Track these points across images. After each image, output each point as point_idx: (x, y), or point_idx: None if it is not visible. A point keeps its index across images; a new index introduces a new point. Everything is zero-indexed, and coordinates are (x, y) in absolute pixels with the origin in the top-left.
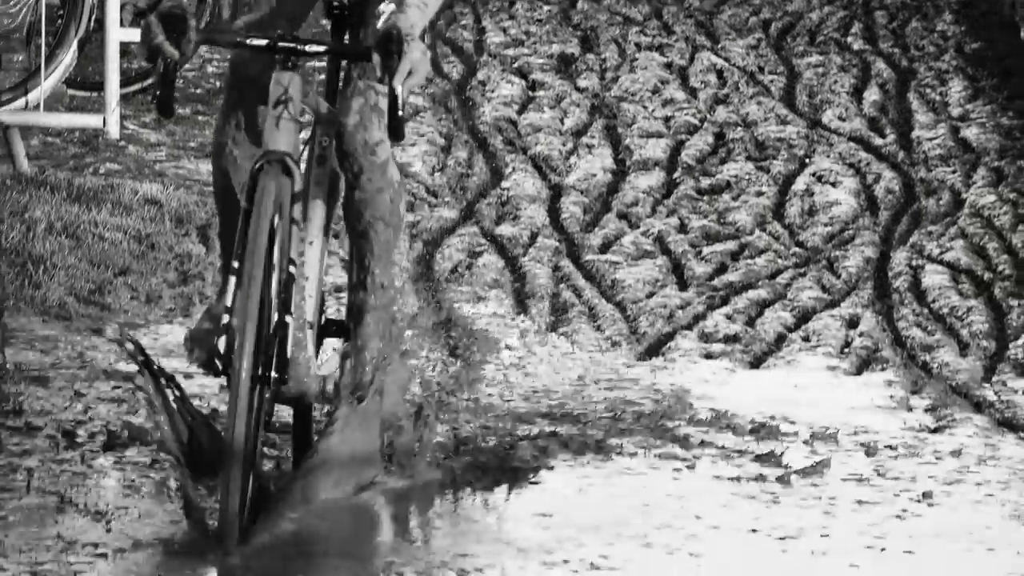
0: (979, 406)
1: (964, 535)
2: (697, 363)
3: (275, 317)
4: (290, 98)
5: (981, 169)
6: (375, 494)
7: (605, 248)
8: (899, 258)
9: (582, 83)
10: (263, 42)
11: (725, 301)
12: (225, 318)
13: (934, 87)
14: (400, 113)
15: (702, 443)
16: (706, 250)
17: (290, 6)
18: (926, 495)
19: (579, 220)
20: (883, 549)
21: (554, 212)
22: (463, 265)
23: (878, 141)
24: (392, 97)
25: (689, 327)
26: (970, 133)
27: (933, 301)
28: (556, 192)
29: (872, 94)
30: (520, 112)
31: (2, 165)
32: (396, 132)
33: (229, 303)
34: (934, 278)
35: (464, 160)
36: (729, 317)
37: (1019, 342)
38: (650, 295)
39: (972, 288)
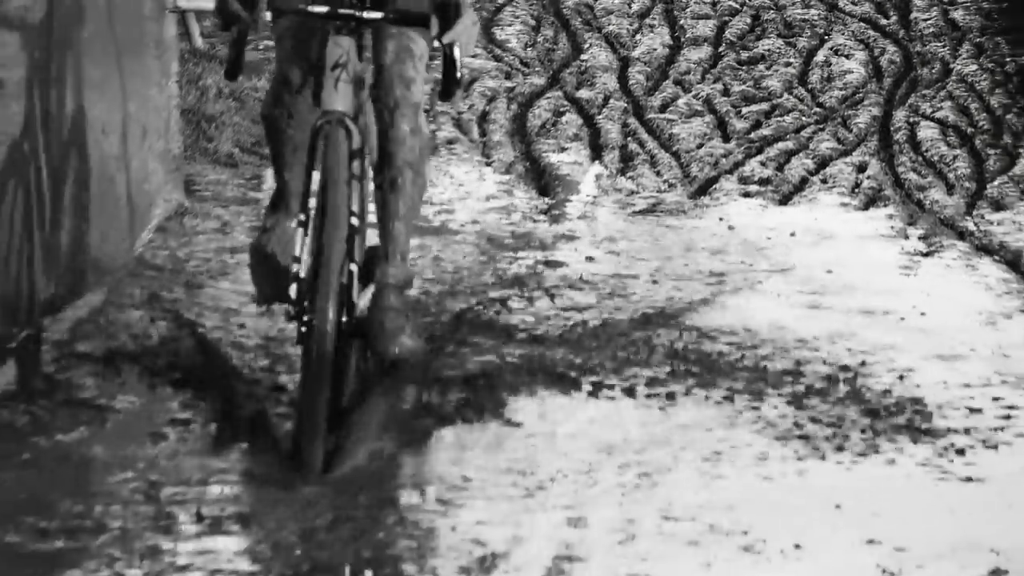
0: (962, 235)
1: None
2: (737, 200)
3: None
4: (347, 61)
5: (966, 44)
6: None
7: (663, 108)
8: (899, 116)
9: None
10: (324, 9)
11: (760, 151)
12: (295, 267)
13: None
14: (458, 74)
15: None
16: (744, 110)
17: None
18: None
19: (643, 85)
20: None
21: (623, 79)
22: (549, 122)
23: (883, 21)
24: (450, 59)
25: (731, 171)
26: (957, 15)
27: (926, 150)
28: (624, 63)
29: None
30: None
31: (181, 42)
32: (448, 92)
33: (297, 253)
34: (927, 132)
35: (550, 37)
36: (763, 163)
37: (995, 183)
38: (699, 146)
39: (957, 140)
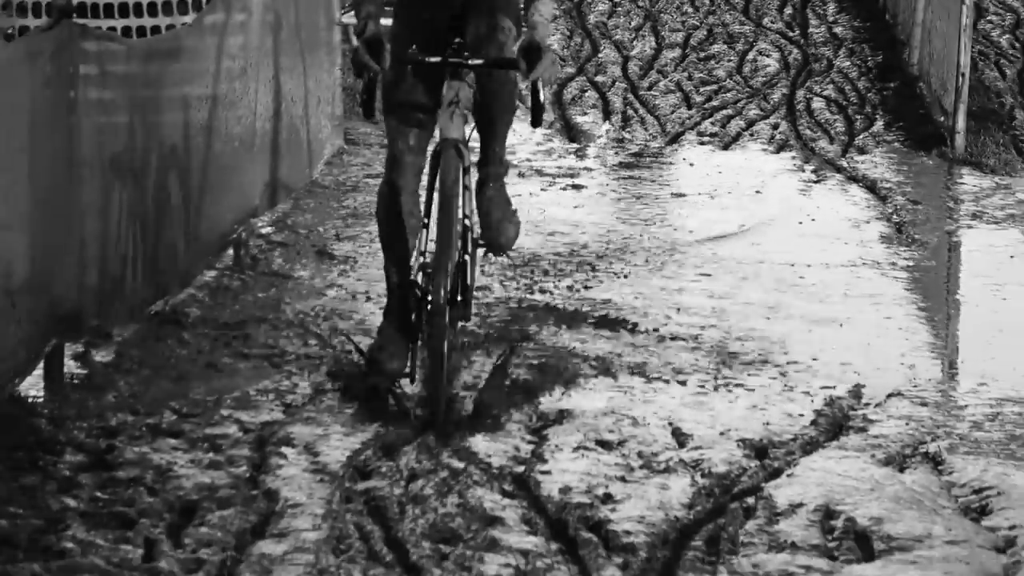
0: (839, 169)
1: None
2: (696, 147)
3: (456, 256)
4: (459, 100)
5: (843, 47)
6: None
7: (650, 88)
8: (800, 94)
9: None
10: (437, 59)
11: (710, 115)
12: (420, 259)
13: (821, 5)
14: (542, 101)
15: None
16: (701, 89)
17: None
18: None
19: (637, 74)
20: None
21: (624, 69)
22: (577, 97)
23: (790, 33)
24: (535, 92)
25: (692, 129)
26: (838, 29)
27: (817, 115)
28: (625, 59)
29: (787, 8)
30: None
31: (343, 44)
32: (537, 119)
33: (422, 248)
34: (817, 104)
35: (579, 43)
36: (712, 123)
37: (859, 137)
38: (672, 112)
39: (837, 109)
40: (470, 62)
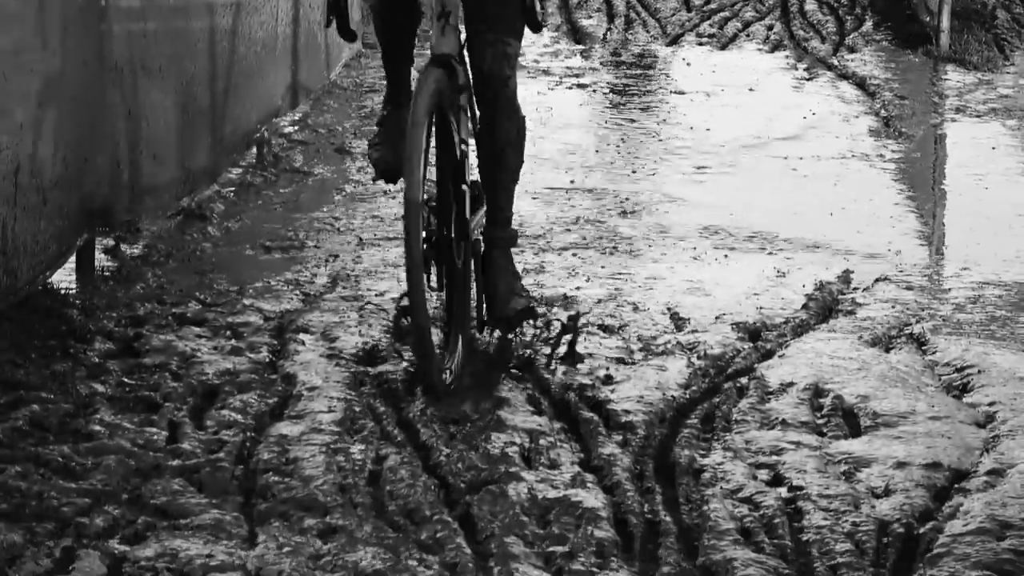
0: (830, 67)
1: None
2: (694, 47)
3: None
4: (451, 10)
5: None
6: None
7: None
8: None
9: None
10: None
11: (709, 18)
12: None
13: None
14: (539, 9)
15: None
16: None
17: None
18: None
19: None
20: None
21: None
22: (582, 1)
23: None
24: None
25: (691, 30)
26: None
27: (809, 17)
28: None
29: None
30: None
31: None
32: (535, 25)
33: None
34: (810, 6)
35: None
36: (711, 25)
37: (850, 36)
38: (673, 15)
39: (828, 11)
40: None
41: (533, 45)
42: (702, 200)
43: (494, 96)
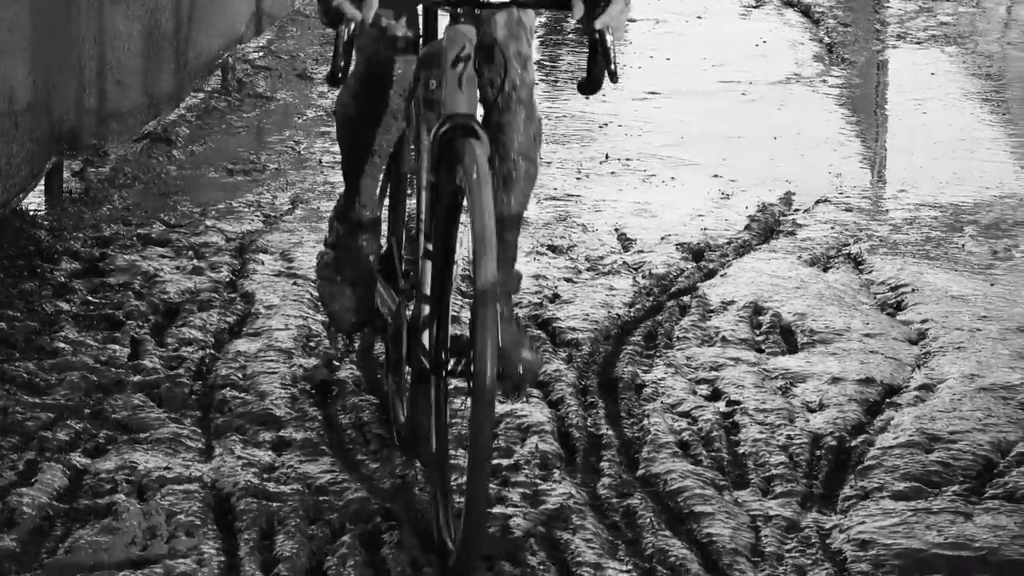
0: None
1: (772, 47)
2: None
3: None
4: (469, 55)
5: None
6: None
7: None
8: None
9: None
10: None
11: None
12: (424, 309)
13: None
14: (612, 65)
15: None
16: None
17: None
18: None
19: None
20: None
21: None
22: None
23: None
24: (602, 43)
25: None
26: None
27: None
28: None
29: None
30: None
31: None
32: (595, 84)
33: (427, 291)
34: None
35: None
36: None
37: None
38: None
39: None
40: None
41: None
42: (651, 124)
43: (512, 86)
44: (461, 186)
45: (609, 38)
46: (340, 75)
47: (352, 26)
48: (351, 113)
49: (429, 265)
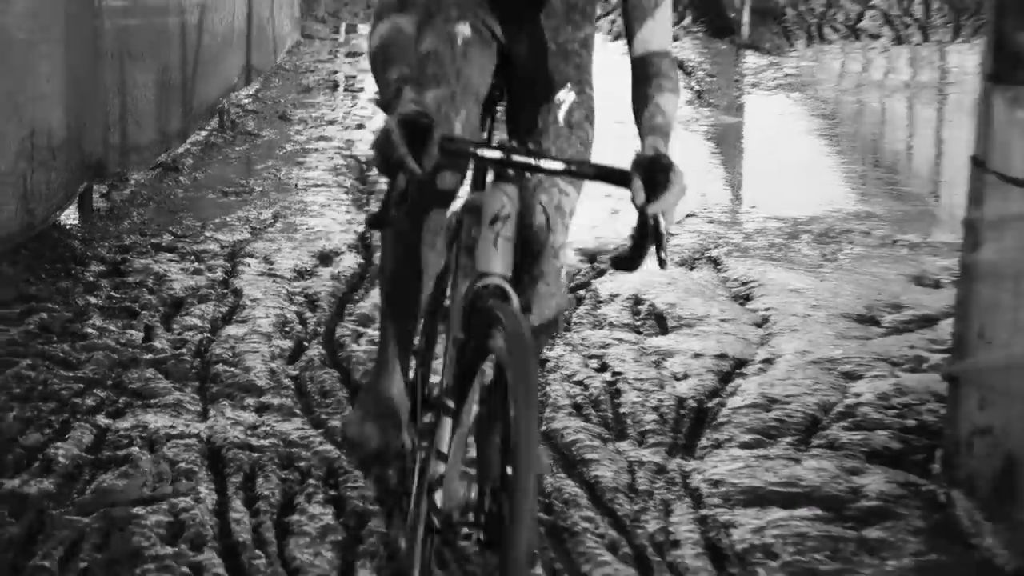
0: None
1: None
2: None
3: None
4: (508, 215)
5: None
6: None
7: None
8: None
9: None
10: (497, 155)
11: None
12: (440, 467)
13: None
14: (663, 254)
15: None
16: None
17: (475, 79)
18: None
19: None
20: None
21: None
22: None
23: None
24: (655, 226)
25: None
26: None
27: None
28: None
29: None
30: None
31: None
32: (635, 263)
33: (445, 449)
34: None
35: None
36: None
37: (673, 29)
38: None
39: None
40: (545, 164)
41: None
42: None
43: (540, 273)
44: (489, 349)
45: (663, 223)
46: (381, 221)
47: (408, 178)
48: (397, 267)
49: (448, 423)
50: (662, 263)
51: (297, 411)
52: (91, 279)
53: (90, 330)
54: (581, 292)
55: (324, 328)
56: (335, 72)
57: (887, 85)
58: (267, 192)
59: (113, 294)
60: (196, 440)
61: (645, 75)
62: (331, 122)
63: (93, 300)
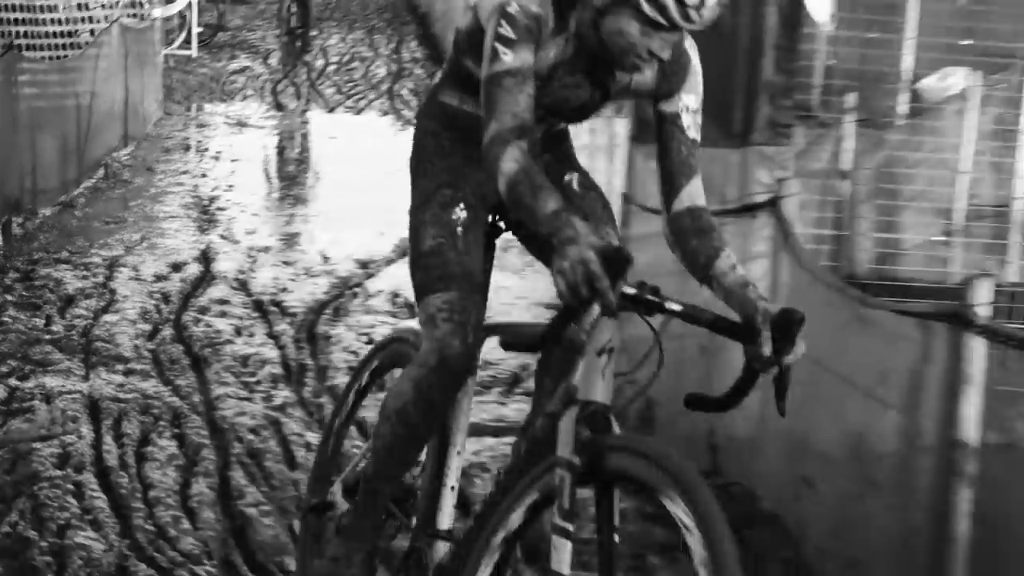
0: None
1: None
2: (341, 113)
3: None
4: (614, 348)
5: (414, 65)
6: None
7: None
8: (396, 87)
9: None
10: (633, 291)
11: (351, 96)
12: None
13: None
14: (786, 395)
15: None
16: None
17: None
18: None
19: None
20: None
21: None
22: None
23: (394, 55)
24: (783, 377)
25: (341, 103)
26: (414, 54)
27: (406, 98)
28: None
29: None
30: None
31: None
32: (783, 409)
33: (566, 571)
34: (405, 91)
35: None
36: (354, 101)
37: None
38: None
39: (412, 93)
40: (670, 306)
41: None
42: (350, 203)
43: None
44: (610, 475)
45: (790, 377)
46: (553, 340)
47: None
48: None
49: (568, 546)
50: (783, 412)
51: (152, 374)
52: (9, 283)
53: (6, 319)
54: (357, 289)
55: (174, 316)
56: (187, 138)
57: None
58: (137, 222)
59: (24, 293)
60: (80, 395)
61: (700, 227)
62: (184, 172)
63: (10, 298)
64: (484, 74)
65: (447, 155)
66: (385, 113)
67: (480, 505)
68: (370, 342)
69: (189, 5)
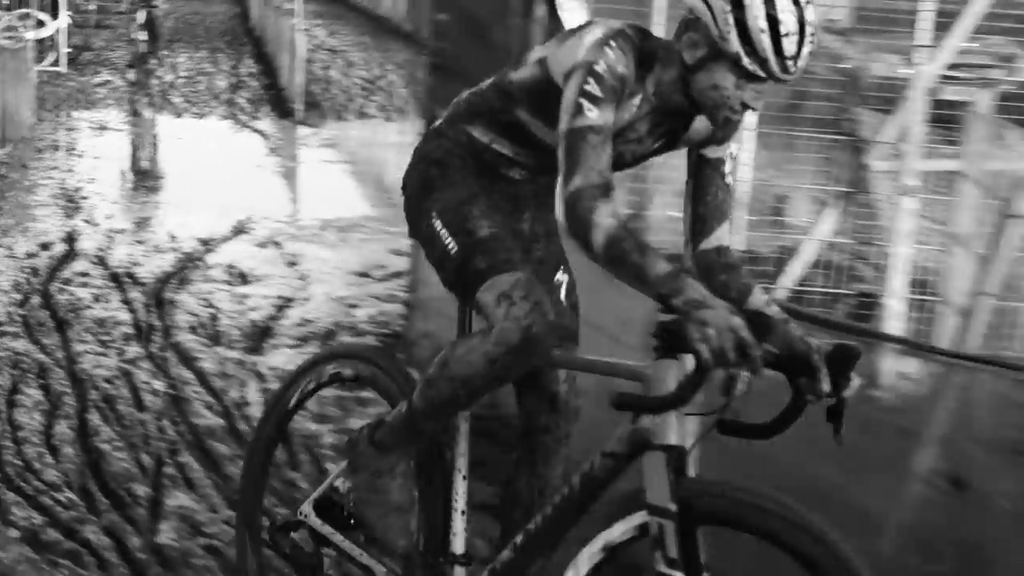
0: (259, 131)
1: None
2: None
3: None
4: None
5: (253, 80)
6: None
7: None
8: (234, 98)
9: None
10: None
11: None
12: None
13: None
14: (842, 431)
15: None
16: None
17: None
18: None
19: None
20: None
21: None
22: None
23: (235, 70)
24: (840, 408)
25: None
26: (249, 70)
27: (245, 110)
28: None
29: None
30: None
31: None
32: (840, 441)
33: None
34: (241, 100)
35: None
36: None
37: (258, 112)
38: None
39: (256, 101)
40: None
41: None
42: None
43: (567, 435)
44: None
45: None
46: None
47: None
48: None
49: None
50: (840, 440)
51: (22, 335)
52: None
53: None
54: (198, 262)
55: (41, 287)
56: (56, 140)
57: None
58: (12, 210)
59: None
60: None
61: (728, 263)
62: (53, 168)
63: None
64: (565, 127)
65: (478, 176)
66: (224, 118)
67: (522, 536)
68: (209, 305)
69: (58, 30)
